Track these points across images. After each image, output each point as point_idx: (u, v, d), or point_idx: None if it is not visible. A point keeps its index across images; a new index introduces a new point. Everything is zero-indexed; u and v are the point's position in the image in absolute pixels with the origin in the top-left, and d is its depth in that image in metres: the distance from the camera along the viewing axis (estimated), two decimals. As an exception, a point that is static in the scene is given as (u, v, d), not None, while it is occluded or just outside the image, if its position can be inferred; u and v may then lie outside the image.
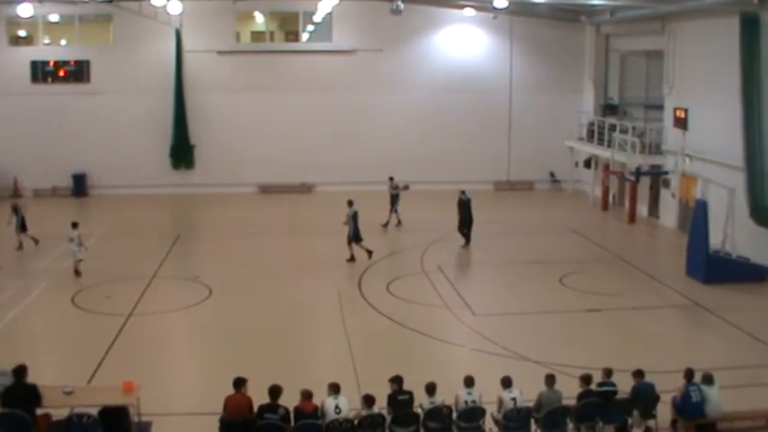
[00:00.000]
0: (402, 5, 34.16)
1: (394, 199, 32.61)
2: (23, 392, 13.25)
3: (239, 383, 13.48)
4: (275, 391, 13.26)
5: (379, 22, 39.22)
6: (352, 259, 27.37)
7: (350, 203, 27.74)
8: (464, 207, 29.55)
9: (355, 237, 27.41)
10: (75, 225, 26.03)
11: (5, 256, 27.78)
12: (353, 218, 27.42)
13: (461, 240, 29.58)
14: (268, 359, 18.19)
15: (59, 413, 13.66)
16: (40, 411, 13.38)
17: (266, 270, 26.89)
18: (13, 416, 12.97)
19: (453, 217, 29.97)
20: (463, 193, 29.68)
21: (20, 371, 13.46)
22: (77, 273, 25.85)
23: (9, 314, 22.03)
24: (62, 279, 25.25)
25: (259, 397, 13.32)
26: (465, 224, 29.48)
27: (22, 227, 28.97)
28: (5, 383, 13.53)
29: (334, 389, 13.57)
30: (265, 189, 40.13)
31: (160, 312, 22.48)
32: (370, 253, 27.54)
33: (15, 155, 39.54)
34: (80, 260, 25.97)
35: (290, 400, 13.32)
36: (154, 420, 14.49)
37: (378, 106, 40.82)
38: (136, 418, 13.78)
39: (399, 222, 32.62)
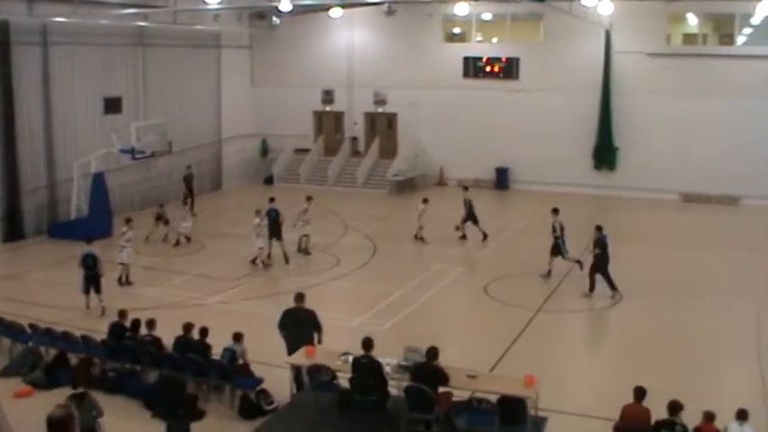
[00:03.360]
0: None
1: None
2: (431, 372, 13.90)
3: (640, 394, 13.09)
4: (675, 408, 12.67)
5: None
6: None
7: (271, 200, 28.23)
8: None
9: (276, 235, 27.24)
10: (258, 212, 27.06)
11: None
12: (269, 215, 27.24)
13: None
14: (671, 372, 17.51)
15: (460, 394, 14.18)
16: (442, 389, 13.95)
17: (678, 280, 25.88)
18: (419, 390, 13.68)
19: None
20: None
21: (431, 353, 14.13)
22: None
23: (425, 294, 23.28)
24: (478, 267, 26.13)
25: (657, 410, 12.85)
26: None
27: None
28: (417, 360, 14.33)
29: (743, 415, 12.69)
30: (687, 198, 38.54)
31: (567, 311, 22.54)
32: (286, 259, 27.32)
33: (443, 145, 41.79)
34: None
35: (690, 419, 12.70)
36: (549, 416, 14.54)
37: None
38: (532, 412, 13.90)
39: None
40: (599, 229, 23.78)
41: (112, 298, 22.14)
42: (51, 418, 6.56)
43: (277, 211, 27.40)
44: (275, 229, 27.05)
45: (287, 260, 27.10)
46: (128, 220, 25.26)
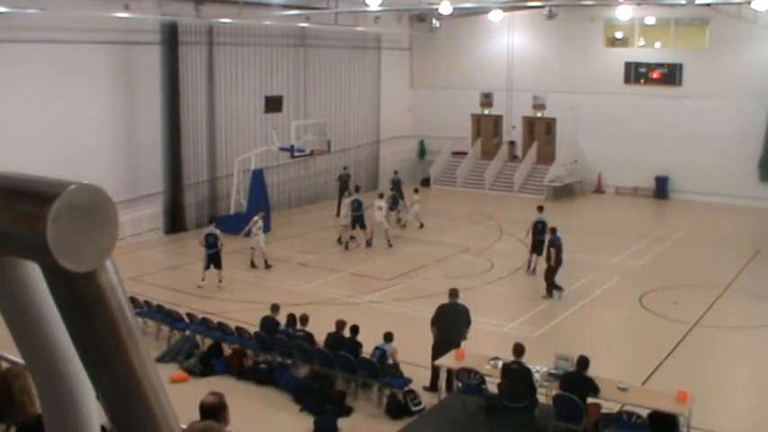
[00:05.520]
0: None
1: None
2: (581, 382, 13.67)
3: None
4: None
5: None
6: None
7: (356, 189, 31.50)
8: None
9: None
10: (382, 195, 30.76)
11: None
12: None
13: None
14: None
15: (610, 406, 13.88)
16: (591, 400, 13.70)
17: None
18: (568, 399, 13.49)
19: None
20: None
21: (582, 362, 13.91)
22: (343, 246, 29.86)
23: (579, 303, 22.92)
24: (634, 277, 25.48)
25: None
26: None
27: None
28: (567, 368, 14.12)
29: None
30: None
31: (727, 327, 21.68)
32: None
33: (602, 152, 40.90)
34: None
35: None
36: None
37: None
38: (684, 429, 13.46)
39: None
40: (553, 231, 23.82)
41: (269, 293, 22.72)
42: (204, 404, 6.78)
43: (360, 201, 30.05)
44: (358, 218, 29.85)
45: (368, 244, 29.86)
46: (260, 210, 27.39)
